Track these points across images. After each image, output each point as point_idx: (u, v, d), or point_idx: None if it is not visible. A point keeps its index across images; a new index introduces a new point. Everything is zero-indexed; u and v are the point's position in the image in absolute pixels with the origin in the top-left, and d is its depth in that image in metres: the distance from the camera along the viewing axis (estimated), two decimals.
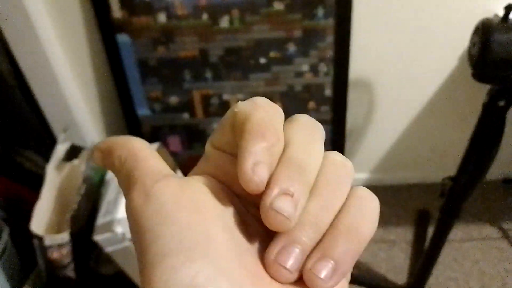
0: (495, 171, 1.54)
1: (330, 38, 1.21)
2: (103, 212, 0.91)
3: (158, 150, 1.06)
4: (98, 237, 0.88)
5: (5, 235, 0.93)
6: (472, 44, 0.79)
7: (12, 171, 1.34)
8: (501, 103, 0.81)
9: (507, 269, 1.32)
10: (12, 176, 1.36)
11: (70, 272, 1.04)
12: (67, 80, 1.27)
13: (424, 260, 1.19)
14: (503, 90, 0.81)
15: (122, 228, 0.87)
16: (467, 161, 0.94)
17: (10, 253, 0.95)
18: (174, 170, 1.12)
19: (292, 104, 1.32)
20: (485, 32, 0.74)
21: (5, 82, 1.24)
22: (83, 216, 1.02)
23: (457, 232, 1.43)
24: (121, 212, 0.89)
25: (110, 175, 1.12)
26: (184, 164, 1.44)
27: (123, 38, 1.23)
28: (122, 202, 0.92)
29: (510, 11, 0.73)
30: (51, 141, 1.33)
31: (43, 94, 1.29)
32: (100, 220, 0.89)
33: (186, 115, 1.35)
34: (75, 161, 1.05)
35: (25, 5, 1.11)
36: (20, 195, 1.25)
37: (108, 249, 0.90)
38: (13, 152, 1.34)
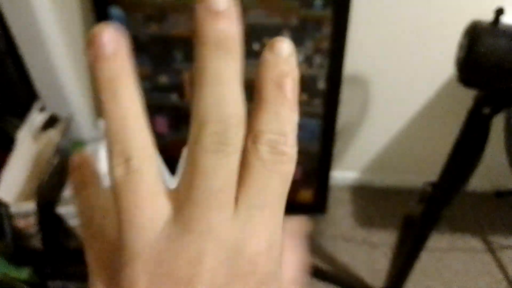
0: (487, 183, 1.50)
1: (327, 30, 1.18)
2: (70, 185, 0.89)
3: None
4: (61, 210, 0.86)
5: None
6: (460, 46, 0.75)
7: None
8: (486, 111, 0.78)
9: (488, 283, 1.28)
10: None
11: (37, 243, 1.02)
12: (58, 49, 1.25)
13: (400, 266, 1.16)
14: (489, 97, 0.77)
15: None
16: (449, 168, 0.90)
17: None
18: None
19: None
20: (473, 34, 0.70)
21: None
22: (54, 188, 1.00)
23: (442, 241, 1.40)
24: None
25: (88, 149, 1.10)
26: (170, 146, 1.42)
27: (116, 11, 1.20)
28: None
29: (500, 14, 0.69)
30: (41, 110, 1.31)
31: (33, 61, 1.28)
32: (65, 193, 0.87)
33: (174, 96, 1.33)
34: (51, 131, 1.03)
35: None
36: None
37: (71, 222, 0.88)
38: (1, 119, 1.32)
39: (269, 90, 0.18)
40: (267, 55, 0.18)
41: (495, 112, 0.77)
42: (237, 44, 0.17)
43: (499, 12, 0.69)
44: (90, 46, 0.17)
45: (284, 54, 0.18)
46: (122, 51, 0.18)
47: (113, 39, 0.17)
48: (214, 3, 0.17)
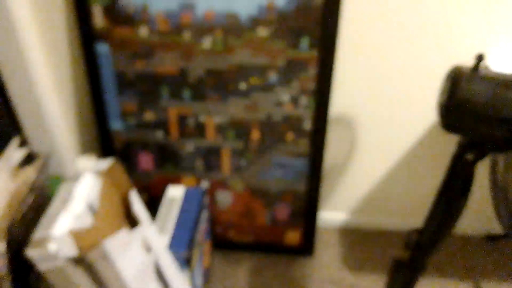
0: (478, 227, 1.47)
1: (313, 70, 1.17)
2: (42, 226, 0.86)
3: (113, 167, 1.02)
4: (31, 253, 0.82)
5: None
6: (441, 91, 0.74)
7: None
8: (470, 157, 0.76)
9: None
10: None
11: (7, 286, 0.98)
12: (44, 83, 1.24)
13: None
14: (472, 143, 0.75)
15: (56, 246, 0.82)
16: (433, 215, 0.87)
17: None
18: (128, 189, 1.07)
19: (271, 134, 1.27)
20: (453, 80, 0.69)
21: None
22: (28, 229, 0.97)
23: (432, 287, 1.35)
24: (58, 229, 0.84)
25: (62, 187, 1.07)
26: (154, 183, 1.39)
27: (102, 48, 1.20)
28: (62, 218, 0.87)
29: (480, 60, 0.68)
30: (22, 143, 1.29)
31: (18, 94, 1.26)
32: (36, 234, 0.84)
33: (160, 133, 1.31)
34: (29, 169, 1.01)
35: (8, 5, 1.09)
36: None
37: (41, 266, 0.84)
38: None
39: None
40: None
41: (479, 158, 0.76)
42: None
43: (480, 58, 0.69)
44: None
45: None
46: None
47: None
48: None
